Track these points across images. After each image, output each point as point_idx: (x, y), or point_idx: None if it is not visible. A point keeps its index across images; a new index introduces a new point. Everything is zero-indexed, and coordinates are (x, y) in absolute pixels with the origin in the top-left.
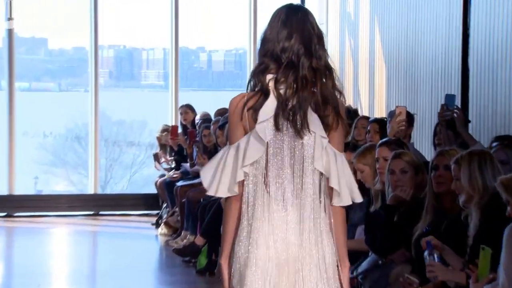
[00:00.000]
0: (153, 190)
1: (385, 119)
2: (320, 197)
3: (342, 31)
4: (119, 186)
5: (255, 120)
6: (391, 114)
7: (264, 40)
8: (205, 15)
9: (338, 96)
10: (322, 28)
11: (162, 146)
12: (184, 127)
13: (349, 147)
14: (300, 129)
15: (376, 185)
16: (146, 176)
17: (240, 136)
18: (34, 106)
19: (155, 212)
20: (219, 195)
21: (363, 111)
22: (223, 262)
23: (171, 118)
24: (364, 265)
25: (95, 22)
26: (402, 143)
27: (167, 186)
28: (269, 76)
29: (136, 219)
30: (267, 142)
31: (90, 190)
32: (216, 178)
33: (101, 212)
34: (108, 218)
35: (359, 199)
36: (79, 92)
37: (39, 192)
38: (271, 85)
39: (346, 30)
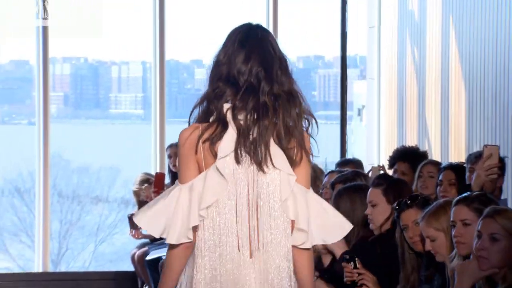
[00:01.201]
0: (129, 267)
1: (464, 165)
2: (287, 243)
3: (401, 39)
4: (79, 262)
5: (213, 154)
6: (474, 157)
7: (217, 63)
8: (202, 16)
9: (309, 124)
10: (373, 32)
11: (142, 204)
12: (174, 175)
13: (416, 202)
14: (262, 164)
15: (454, 261)
16: (119, 247)
17: (193, 172)
18: None
19: None
20: (169, 241)
21: (433, 153)
22: None
23: (155, 163)
24: None
25: (45, 25)
26: (490, 200)
27: (149, 260)
28: (226, 105)
29: None
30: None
31: (37, 268)
32: (167, 222)
33: None
34: None
35: (333, 240)
36: (21, 125)
37: None
38: (229, 114)
39: (408, 37)
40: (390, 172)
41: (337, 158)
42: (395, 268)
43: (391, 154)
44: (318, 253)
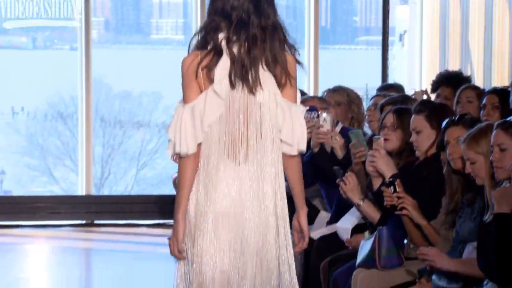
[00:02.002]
0: (171, 191)
1: (508, 89)
2: (275, 153)
3: None
4: (121, 185)
5: (210, 79)
6: None
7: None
8: None
9: (293, 52)
10: None
11: None
12: None
13: (463, 121)
14: (253, 87)
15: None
16: (160, 171)
17: (195, 94)
18: None
19: (173, 221)
20: (176, 151)
21: (476, 78)
22: (181, 217)
23: None
24: None
25: None
26: None
27: None
28: (221, 35)
29: (146, 232)
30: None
31: (81, 191)
32: (177, 138)
33: (96, 222)
34: (107, 230)
35: (303, 148)
36: (63, 51)
37: (8, 193)
38: (223, 44)
39: None
40: (432, 96)
41: (378, 83)
42: (439, 193)
43: (434, 78)
44: (369, 176)
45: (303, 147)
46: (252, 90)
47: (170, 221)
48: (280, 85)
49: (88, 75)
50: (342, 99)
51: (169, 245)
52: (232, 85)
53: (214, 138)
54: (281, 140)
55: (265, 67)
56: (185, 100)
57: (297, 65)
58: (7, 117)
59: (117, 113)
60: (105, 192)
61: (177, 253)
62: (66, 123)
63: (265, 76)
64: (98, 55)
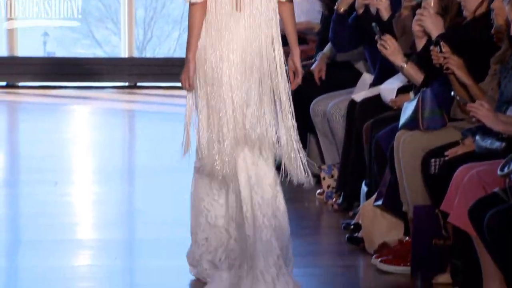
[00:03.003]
0: None
1: None
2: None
3: None
4: (164, 48)
5: None
6: None
7: None
8: None
9: None
10: None
11: None
12: None
13: None
14: None
15: None
16: None
17: None
18: None
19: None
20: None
21: None
22: (192, 57)
23: None
24: None
25: None
26: None
27: None
28: None
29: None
30: None
31: (123, 53)
32: None
33: (139, 84)
34: (149, 92)
35: None
36: None
37: (51, 55)
38: None
39: None
40: None
41: None
42: (487, 53)
43: None
44: (412, 37)
45: None
46: None
47: None
48: None
49: None
50: None
51: (181, 80)
52: None
53: None
54: None
55: None
56: None
57: None
58: None
59: None
60: (148, 54)
61: (188, 86)
62: None
63: None
64: None
